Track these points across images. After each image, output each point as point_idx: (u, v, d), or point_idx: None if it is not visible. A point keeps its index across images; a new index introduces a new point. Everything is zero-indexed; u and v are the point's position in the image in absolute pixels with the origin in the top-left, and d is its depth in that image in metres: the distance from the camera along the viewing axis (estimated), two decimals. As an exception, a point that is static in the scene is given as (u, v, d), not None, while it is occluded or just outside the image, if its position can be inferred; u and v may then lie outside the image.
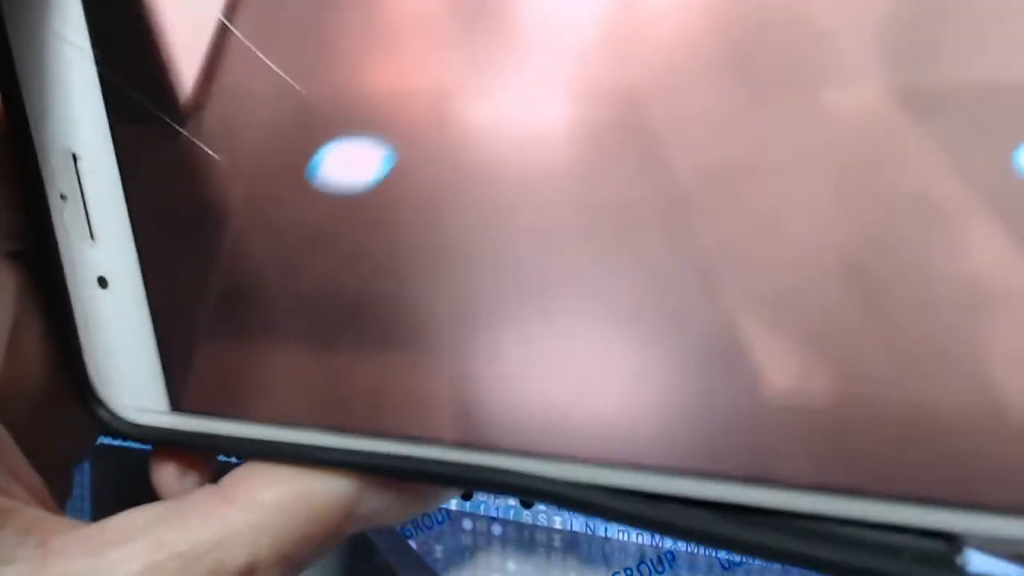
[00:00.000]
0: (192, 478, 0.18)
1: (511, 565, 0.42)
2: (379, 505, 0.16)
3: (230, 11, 0.16)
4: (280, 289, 0.16)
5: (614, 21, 0.13)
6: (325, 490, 0.16)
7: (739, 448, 0.14)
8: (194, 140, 0.16)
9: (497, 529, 0.42)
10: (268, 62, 0.15)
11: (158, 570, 0.15)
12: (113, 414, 0.18)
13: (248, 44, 0.15)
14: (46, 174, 0.17)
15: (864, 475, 0.13)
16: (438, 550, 0.43)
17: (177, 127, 0.16)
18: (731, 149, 0.13)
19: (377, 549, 0.38)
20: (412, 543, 0.42)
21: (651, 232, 0.14)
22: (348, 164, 0.15)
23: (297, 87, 0.15)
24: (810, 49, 0.12)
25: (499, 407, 0.15)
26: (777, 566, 0.33)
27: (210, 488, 0.16)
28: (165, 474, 0.18)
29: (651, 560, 0.37)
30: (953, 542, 0.13)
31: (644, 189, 0.14)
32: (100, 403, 0.18)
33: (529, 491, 0.15)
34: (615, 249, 0.14)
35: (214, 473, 0.17)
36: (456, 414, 0.15)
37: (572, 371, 0.14)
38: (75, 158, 0.17)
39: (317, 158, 0.15)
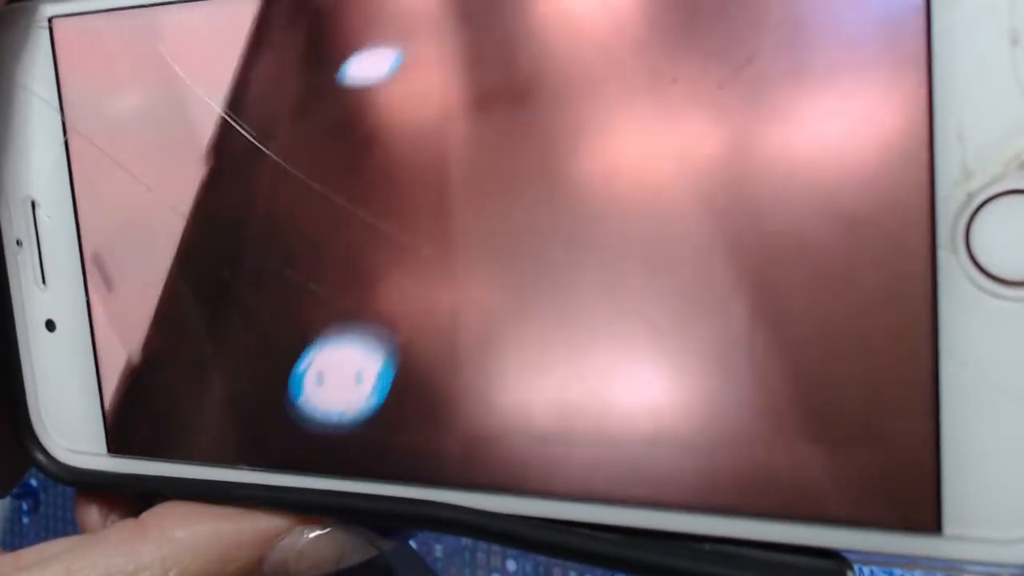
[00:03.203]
0: (115, 519, 0.18)
1: (511, 565, 0.42)
2: (293, 552, 0.16)
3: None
4: (208, 334, 0.17)
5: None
6: (237, 531, 0.16)
7: (646, 475, 0.14)
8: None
9: (496, 529, 0.42)
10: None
11: None
12: (51, 457, 0.18)
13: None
14: (3, 219, 0.18)
15: (756, 497, 0.14)
16: (438, 550, 0.43)
17: (136, 175, 0.17)
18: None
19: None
20: (412, 543, 0.43)
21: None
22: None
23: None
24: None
25: (410, 437, 0.15)
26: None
27: (128, 522, 0.17)
28: (90, 514, 0.18)
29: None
30: (841, 560, 0.13)
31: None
32: (38, 445, 0.18)
33: (441, 522, 0.15)
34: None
35: (137, 512, 0.18)
36: (367, 448, 0.16)
37: (488, 402, 0.15)
38: (34, 205, 0.18)
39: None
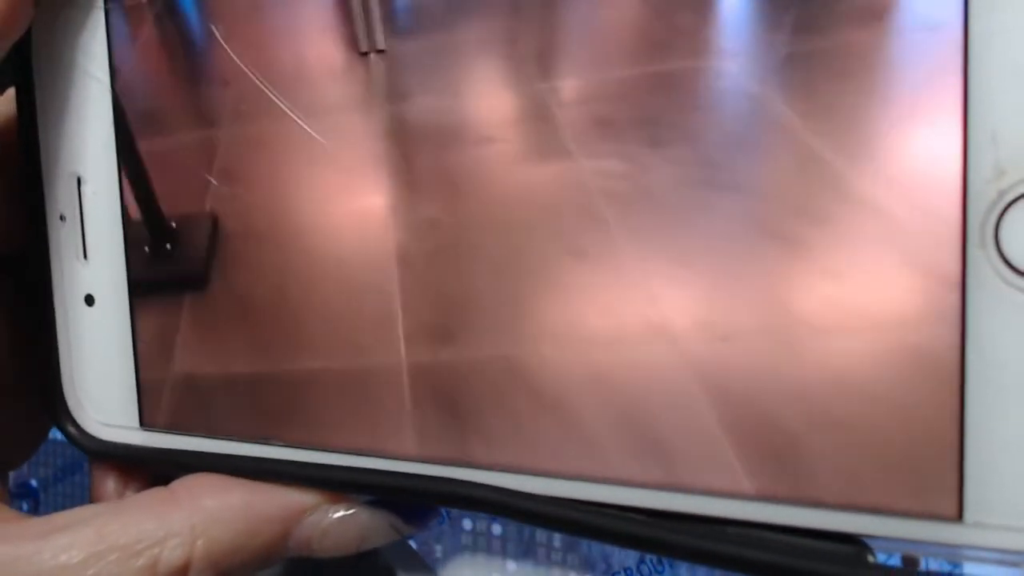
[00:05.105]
0: (132, 490, 0.18)
1: (511, 565, 0.42)
2: (318, 529, 0.16)
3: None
4: (243, 311, 0.17)
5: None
6: (266, 504, 0.16)
7: (671, 459, 0.15)
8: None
9: (497, 529, 0.42)
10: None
11: (97, 559, 0.15)
12: (82, 430, 0.18)
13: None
14: (48, 195, 0.18)
15: (780, 482, 0.14)
16: (438, 550, 0.43)
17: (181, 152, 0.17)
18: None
19: (377, 548, 0.39)
20: (412, 543, 0.43)
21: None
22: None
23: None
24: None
25: (441, 419, 0.16)
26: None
27: (159, 489, 0.17)
28: (106, 485, 0.18)
29: (651, 560, 0.37)
30: (862, 545, 0.14)
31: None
32: (69, 418, 0.18)
33: (469, 500, 0.15)
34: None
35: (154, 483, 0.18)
36: (398, 427, 0.16)
37: (519, 387, 0.15)
38: (80, 181, 0.18)
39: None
